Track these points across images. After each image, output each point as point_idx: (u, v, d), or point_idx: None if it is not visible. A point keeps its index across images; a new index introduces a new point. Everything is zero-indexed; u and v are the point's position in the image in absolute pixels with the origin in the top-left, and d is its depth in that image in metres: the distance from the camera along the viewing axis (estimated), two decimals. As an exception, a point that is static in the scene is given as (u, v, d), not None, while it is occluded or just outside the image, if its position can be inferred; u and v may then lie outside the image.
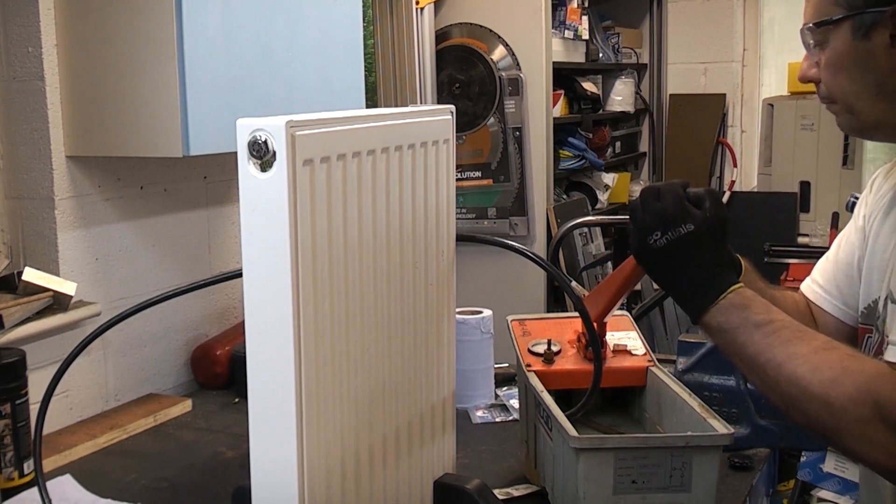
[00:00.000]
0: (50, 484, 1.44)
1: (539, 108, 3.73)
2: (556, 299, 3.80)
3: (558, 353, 1.52)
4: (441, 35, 3.76)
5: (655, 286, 3.35)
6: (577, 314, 1.43)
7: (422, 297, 1.30)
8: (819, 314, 1.39)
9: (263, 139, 0.99)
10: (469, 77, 3.78)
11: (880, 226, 1.27)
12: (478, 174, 3.79)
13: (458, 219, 1.42)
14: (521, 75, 3.71)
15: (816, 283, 1.41)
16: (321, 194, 1.05)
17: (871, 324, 1.26)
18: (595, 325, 1.38)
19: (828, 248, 1.43)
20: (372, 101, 3.44)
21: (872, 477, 1.29)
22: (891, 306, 1.18)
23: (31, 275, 1.75)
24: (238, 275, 1.08)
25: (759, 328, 1.11)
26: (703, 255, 1.18)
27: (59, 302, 1.77)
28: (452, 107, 1.38)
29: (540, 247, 3.72)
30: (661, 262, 1.21)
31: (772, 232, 4.34)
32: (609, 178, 4.60)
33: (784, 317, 1.13)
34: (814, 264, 1.45)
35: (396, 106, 3.48)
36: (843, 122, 1.21)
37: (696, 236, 1.18)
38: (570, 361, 1.52)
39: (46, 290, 1.75)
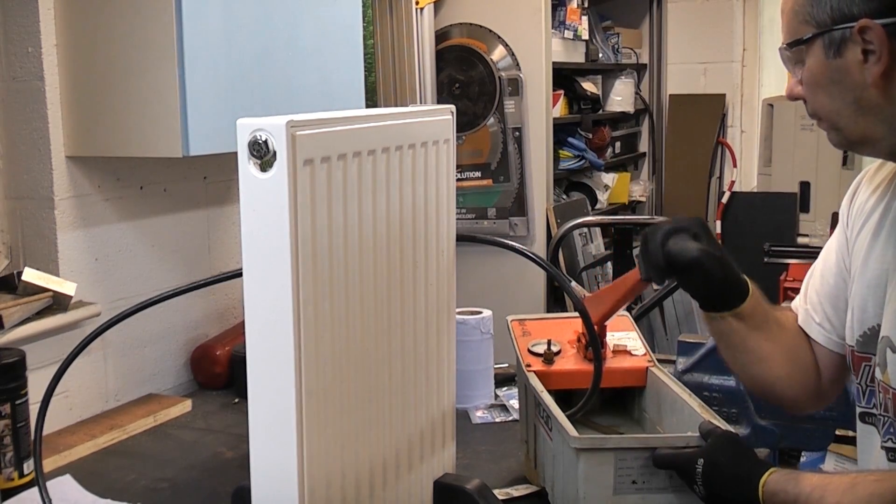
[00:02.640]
0: (50, 484, 1.44)
1: (539, 109, 3.73)
2: (556, 299, 3.79)
3: (558, 353, 1.52)
4: (441, 35, 3.76)
5: (655, 287, 3.38)
6: (577, 314, 1.43)
7: (422, 297, 1.30)
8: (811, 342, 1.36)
9: (264, 139, 0.99)
10: (469, 77, 3.78)
11: (870, 249, 1.23)
12: (478, 174, 3.79)
13: (458, 219, 1.42)
14: (521, 75, 3.71)
15: (807, 313, 1.36)
16: (321, 194, 1.05)
17: (870, 352, 1.22)
18: (595, 327, 1.38)
19: None
20: (372, 101, 3.44)
21: (867, 457, 1.27)
22: (890, 356, 1.16)
23: (30, 275, 1.75)
24: (238, 275, 1.08)
25: None
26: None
27: (59, 302, 1.77)
28: (452, 107, 1.38)
29: (540, 247, 3.72)
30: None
31: (771, 232, 4.33)
32: (609, 178, 4.60)
33: (808, 481, 1.10)
34: (812, 265, 1.42)
35: (396, 106, 3.48)
36: (832, 139, 1.21)
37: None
38: (570, 362, 1.52)
39: (46, 290, 1.75)
